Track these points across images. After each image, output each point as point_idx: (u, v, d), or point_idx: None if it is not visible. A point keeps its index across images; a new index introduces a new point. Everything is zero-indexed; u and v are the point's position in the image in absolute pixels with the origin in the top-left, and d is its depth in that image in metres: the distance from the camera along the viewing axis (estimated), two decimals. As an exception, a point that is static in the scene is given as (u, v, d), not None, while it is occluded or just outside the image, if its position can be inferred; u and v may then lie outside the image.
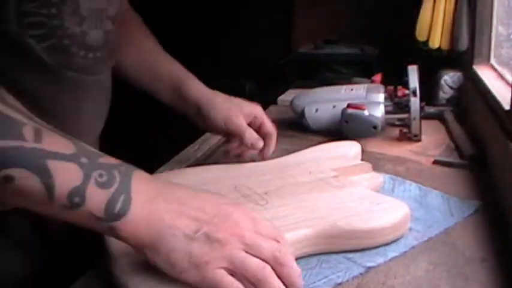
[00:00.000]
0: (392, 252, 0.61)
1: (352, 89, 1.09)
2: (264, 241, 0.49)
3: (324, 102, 1.08)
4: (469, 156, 0.89)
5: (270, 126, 0.82)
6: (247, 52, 2.38)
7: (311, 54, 2.02)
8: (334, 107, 1.05)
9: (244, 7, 2.35)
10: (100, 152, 0.47)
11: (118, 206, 0.45)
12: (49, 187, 0.42)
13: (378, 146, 0.99)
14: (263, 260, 0.48)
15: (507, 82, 0.95)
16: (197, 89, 0.81)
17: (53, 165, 0.42)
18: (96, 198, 0.44)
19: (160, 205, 0.47)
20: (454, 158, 0.92)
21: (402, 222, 0.64)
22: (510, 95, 0.75)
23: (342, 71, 1.78)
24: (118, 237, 0.47)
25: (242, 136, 0.78)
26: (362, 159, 0.84)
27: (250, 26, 2.39)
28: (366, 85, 1.10)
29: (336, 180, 0.71)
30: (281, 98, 1.39)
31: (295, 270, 0.49)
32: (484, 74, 1.05)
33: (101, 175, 0.44)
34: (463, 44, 1.19)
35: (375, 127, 0.99)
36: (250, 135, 0.78)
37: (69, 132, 0.57)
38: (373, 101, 1.03)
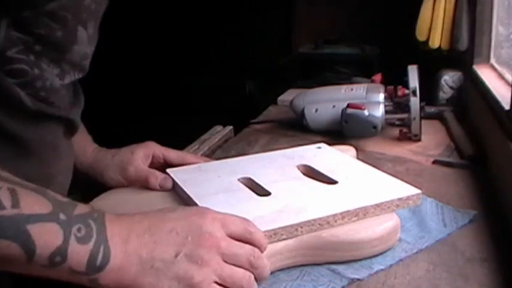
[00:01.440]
0: (378, 264, 0.59)
1: (352, 89, 1.09)
2: (239, 248, 0.51)
3: (324, 102, 1.08)
4: (469, 156, 0.89)
5: (173, 154, 0.78)
6: (247, 52, 2.38)
7: (311, 54, 2.02)
8: (334, 107, 1.05)
9: (245, 7, 2.35)
10: (71, 201, 0.47)
11: (99, 259, 0.45)
12: (30, 252, 0.42)
13: (377, 146, 0.99)
14: (240, 266, 0.51)
15: (507, 82, 0.95)
16: (81, 160, 0.75)
17: (33, 229, 0.42)
18: (78, 255, 0.44)
19: (134, 243, 0.48)
20: (454, 158, 0.92)
21: (391, 234, 0.61)
22: (510, 95, 0.75)
23: (342, 71, 1.78)
24: (99, 286, 0.46)
25: (146, 183, 0.72)
26: (362, 159, 0.84)
27: (250, 26, 2.39)
28: (366, 85, 1.10)
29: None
30: (281, 98, 1.39)
31: (267, 269, 0.53)
32: (484, 74, 1.05)
33: (79, 229, 0.44)
34: (463, 44, 1.19)
35: (374, 127, 0.98)
36: (155, 178, 0.72)
37: (49, 172, 0.58)
38: (373, 101, 1.03)
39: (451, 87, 1.22)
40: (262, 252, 0.53)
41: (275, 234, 0.56)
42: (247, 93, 2.39)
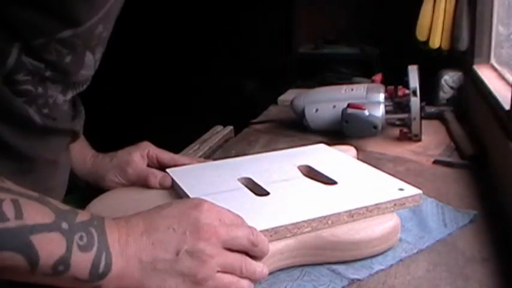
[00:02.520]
0: (378, 265, 0.59)
1: (352, 89, 1.09)
2: (238, 231, 0.52)
3: (324, 102, 1.08)
4: (469, 156, 0.89)
5: (166, 155, 0.78)
6: (247, 52, 2.38)
7: (311, 54, 2.03)
8: (334, 107, 1.05)
9: (245, 7, 2.35)
10: (72, 209, 0.47)
11: (101, 266, 0.45)
12: (34, 262, 0.43)
13: (378, 146, 0.99)
14: (243, 248, 0.52)
15: (507, 82, 0.95)
16: (81, 167, 0.76)
17: (36, 240, 0.42)
18: (81, 264, 0.44)
19: (133, 247, 0.48)
20: (454, 158, 0.92)
21: (391, 234, 0.61)
22: (510, 95, 0.75)
23: (342, 71, 1.78)
24: None
25: (146, 182, 0.73)
26: (362, 159, 0.84)
27: (250, 26, 2.39)
28: (366, 85, 1.10)
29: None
30: (281, 98, 1.39)
31: (267, 243, 0.54)
32: (484, 74, 1.05)
33: (81, 237, 0.45)
34: (463, 44, 1.19)
35: (375, 127, 0.98)
36: (154, 177, 0.73)
37: (46, 187, 0.58)
38: (373, 101, 1.03)
39: (451, 87, 1.22)
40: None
41: (274, 234, 0.56)
42: (247, 93, 2.39)
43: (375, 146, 0.99)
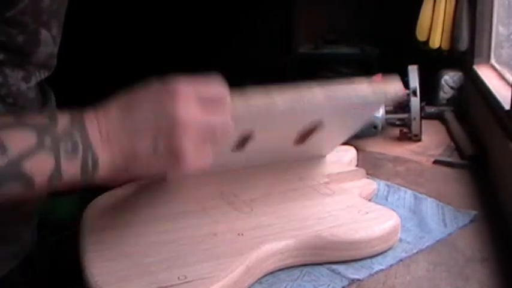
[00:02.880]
0: (378, 264, 0.58)
1: (352, 89, 1.09)
2: (213, 118, 0.51)
3: (324, 102, 1.08)
4: (469, 156, 0.90)
5: None
6: (247, 52, 2.38)
7: (311, 54, 2.03)
8: (334, 107, 1.05)
9: (245, 7, 2.36)
10: (51, 118, 0.48)
11: (90, 166, 0.48)
12: (30, 185, 0.45)
13: (378, 146, 0.99)
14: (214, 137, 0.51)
15: (507, 82, 0.95)
16: None
17: (27, 166, 0.44)
18: (71, 170, 0.47)
19: (114, 140, 0.49)
20: (454, 158, 0.92)
21: (391, 233, 0.61)
22: (510, 95, 0.75)
23: (342, 71, 1.79)
24: (96, 184, 0.50)
25: None
26: (362, 159, 0.84)
27: (250, 26, 2.39)
28: (366, 85, 1.10)
29: (326, 188, 0.70)
30: (281, 98, 1.38)
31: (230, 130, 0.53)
32: (484, 74, 1.05)
33: (66, 146, 0.46)
34: (463, 44, 1.19)
35: (375, 127, 0.99)
36: None
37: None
38: (373, 101, 1.03)
39: (452, 87, 1.22)
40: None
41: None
42: (247, 93, 2.39)
43: (375, 146, 0.99)
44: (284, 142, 0.71)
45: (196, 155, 0.50)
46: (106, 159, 0.48)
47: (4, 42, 0.51)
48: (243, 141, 0.66)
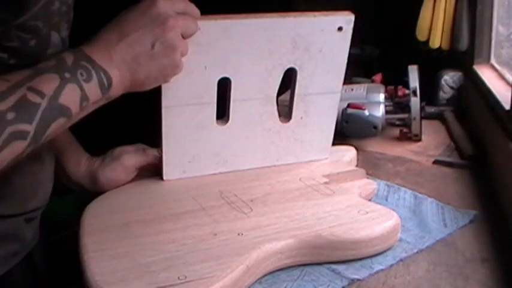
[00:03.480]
0: (378, 264, 0.59)
1: (352, 89, 1.09)
2: (186, 17, 0.62)
3: (324, 102, 1.08)
4: (469, 156, 0.90)
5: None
6: (247, 52, 2.38)
7: (311, 54, 2.01)
8: (334, 107, 1.05)
9: (245, 7, 2.36)
10: (59, 56, 0.53)
11: (105, 83, 0.55)
12: (70, 116, 0.53)
13: (378, 146, 0.99)
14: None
15: (507, 82, 0.95)
16: (75, 170, 0.77)
17: (62, 100, 0.51)
18: (93, 91, 0.54)
19: (117, 56, 0.57)
20: (454, 158, 0.92)
21: (391, 233, 0.61)
22: (510, 95, 0.75)
23: (342, 70, 1.78)
24: (113, 97, 0.58)
25: (144, 154, 0.76)
26: (362, 159, 0.84)
27: (250, 26, 2.39)
28: (366, 85, 1.10)
29: (326, 187, 0.70)
30: (281, 98, 1.38)
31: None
32: (484, 74, 1.05)
33: (81, 74, 0.53)
34: (463, 44, 1.19)
35: (375, 127, 0.98)
36: (150, 150, 0.77)
37: (34, 181, 0.63)
38: (373, 101, 1.03)
39: (452, 87, 1.22)
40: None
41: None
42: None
43: (375, 146, 0.99)
44: (265, 91, 0.82)
45: (183, 44, 0.61)
46: (115, 73, 0.56)
47: (17, 48, 0.52)
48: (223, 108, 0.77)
